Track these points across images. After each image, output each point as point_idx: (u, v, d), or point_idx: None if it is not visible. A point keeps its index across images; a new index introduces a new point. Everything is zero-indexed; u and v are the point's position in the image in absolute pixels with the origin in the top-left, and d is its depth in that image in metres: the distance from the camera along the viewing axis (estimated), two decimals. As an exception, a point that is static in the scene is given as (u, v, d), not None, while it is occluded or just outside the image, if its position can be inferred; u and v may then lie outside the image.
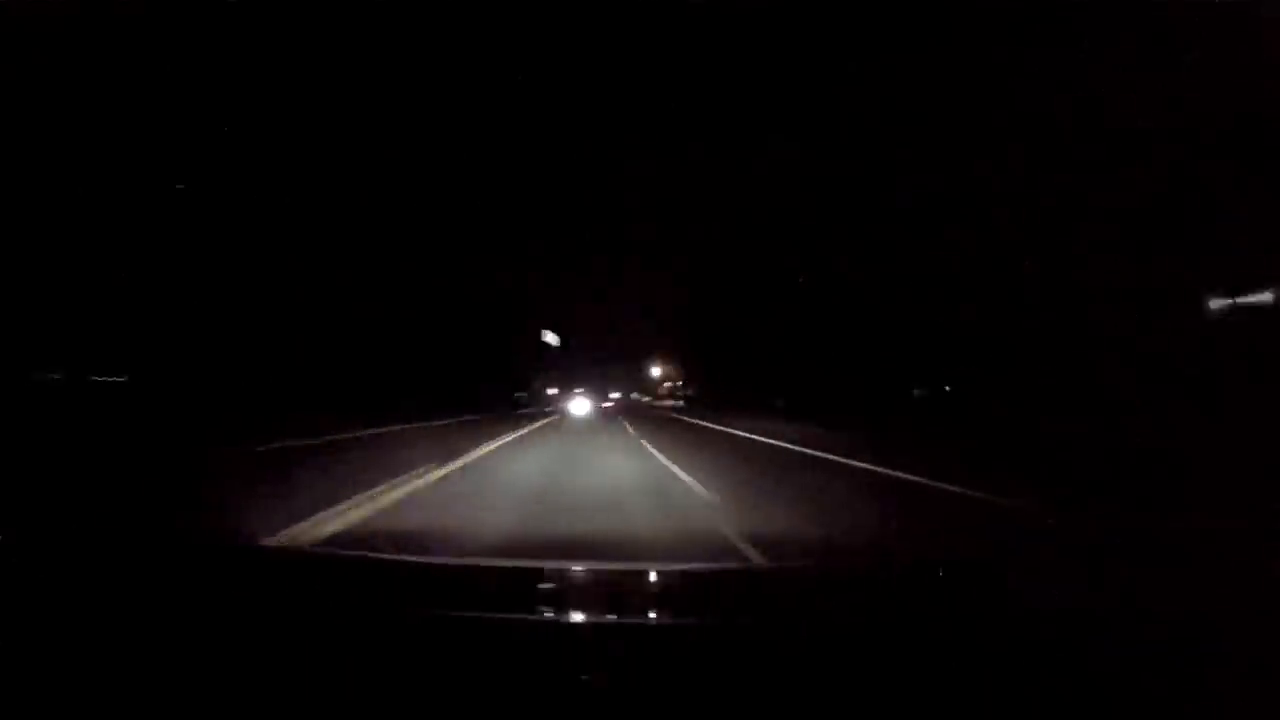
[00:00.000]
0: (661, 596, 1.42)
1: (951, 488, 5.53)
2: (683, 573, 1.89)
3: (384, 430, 12.29)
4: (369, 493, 4.97)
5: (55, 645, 1.02)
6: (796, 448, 9.51)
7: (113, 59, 12.36)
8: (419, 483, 5.81)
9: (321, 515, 4.06)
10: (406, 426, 13.62)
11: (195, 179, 14.69)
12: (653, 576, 1.65)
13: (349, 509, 4.39)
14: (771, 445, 10.27)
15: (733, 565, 2.96)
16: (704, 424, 16.94)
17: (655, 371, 60.80)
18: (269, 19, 13.13)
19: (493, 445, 10.04)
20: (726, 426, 14.73)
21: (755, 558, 3.24)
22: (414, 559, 1.89)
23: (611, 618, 1.18)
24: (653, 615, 1.17)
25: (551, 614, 1.18)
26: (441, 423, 15.57)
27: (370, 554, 2.08)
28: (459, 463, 7.50)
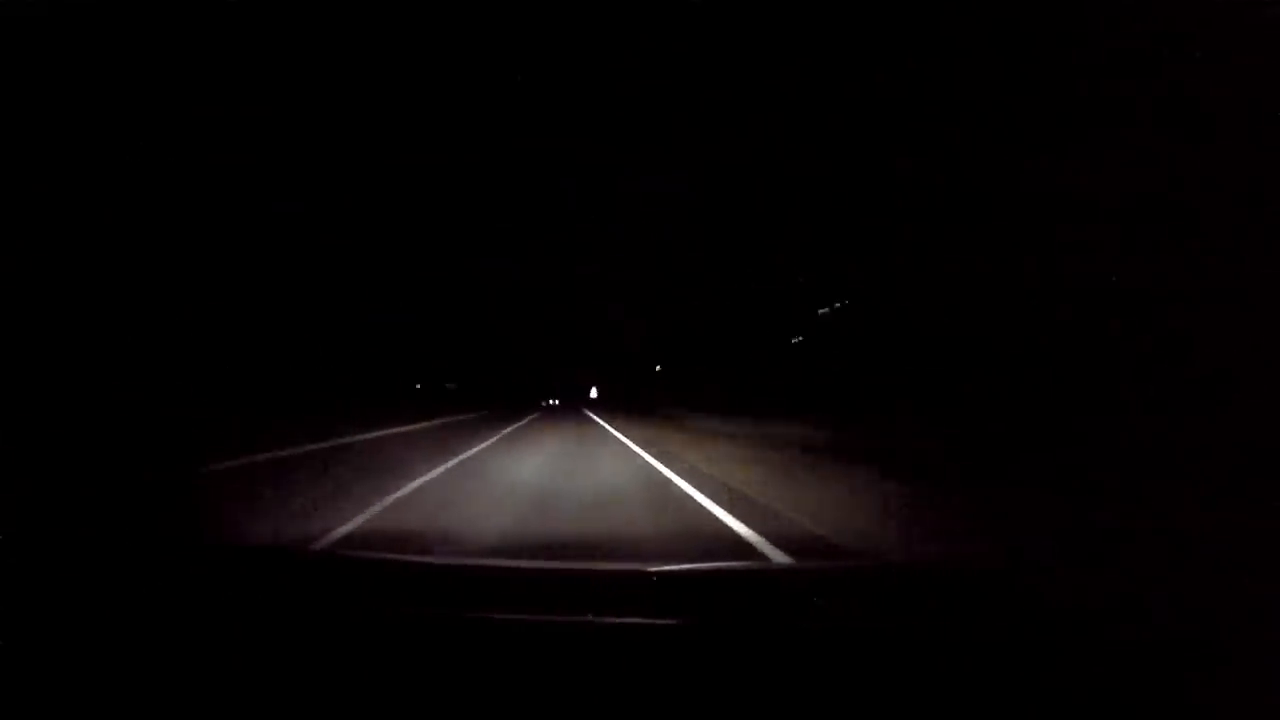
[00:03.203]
0: (662, 596, 1.42)
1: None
2: (684, 572, 1.89)
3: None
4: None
5: (55, 643, 1.02)
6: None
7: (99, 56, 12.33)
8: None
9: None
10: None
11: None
12: (653, 576, 1.65)
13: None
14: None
15: (736, 565, 2.97)
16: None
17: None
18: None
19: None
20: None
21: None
22: (415, 559, 1.89)
23: (612, 618, 1.18)
24: (653, 615, 1.17)
25: (548, 614, 1.18)
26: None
27: (370, 554, 2.08)
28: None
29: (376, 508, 4.75)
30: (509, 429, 15.36)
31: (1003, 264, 12.71)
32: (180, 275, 16.71)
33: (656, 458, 8.38)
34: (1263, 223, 7.86)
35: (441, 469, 7.25)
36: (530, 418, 22.72)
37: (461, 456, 8.59)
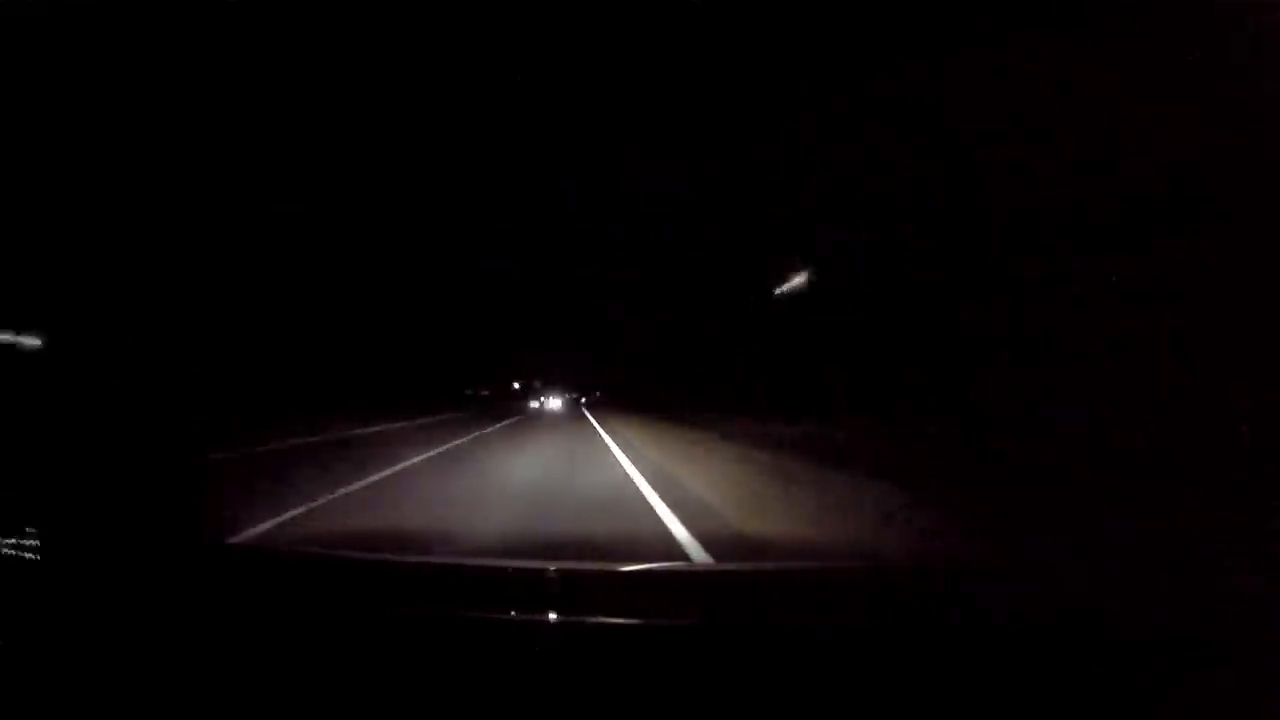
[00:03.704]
0: (642, 597, 1.42)
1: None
2: (666, 573, 1.89)
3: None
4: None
5: (53, 644, 1.02)
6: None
7: (104, 52, 12.34)
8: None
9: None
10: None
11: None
12: (631, 578, 1.65)
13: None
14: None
15: (723, 565, 2.98)
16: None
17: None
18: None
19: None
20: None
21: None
22: (390, 558, 1.90)
23: (595, 619, 1.18)
24: (633, 616, 1.17)
25: (528, 613, 1.18)
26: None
27: (346, 552, 2.08)
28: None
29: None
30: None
31: (1002, 264, 12.72)
32: (180, 275, 16.72)
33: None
34: (1262, 224, 7.86)
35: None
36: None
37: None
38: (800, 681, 0.92)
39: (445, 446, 10.04)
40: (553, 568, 1.51)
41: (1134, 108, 9.06)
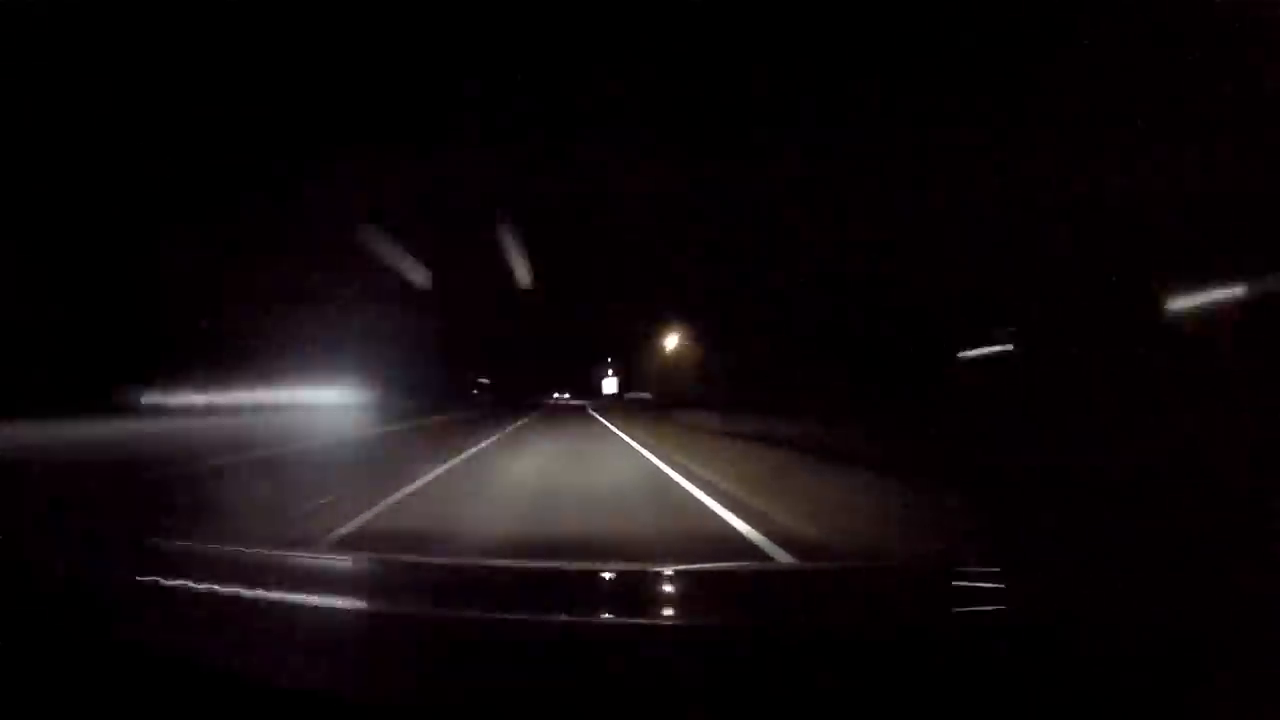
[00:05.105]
0: (668, 597, 1.42)
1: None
2: (689, 573, 1.89)
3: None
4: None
5: (54, 643, 1.03)
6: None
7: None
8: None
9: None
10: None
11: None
12: (660, 577, 1.65)
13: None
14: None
15: (740, 565, 2.98)
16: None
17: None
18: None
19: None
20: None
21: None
22: (416, 559, 1.90)
23: (617, 618, 1.18)
24: (660, 616, 1.18)
25: (554, 615, 1.18)
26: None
27: (370, 555, 2.08)
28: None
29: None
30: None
31: (1001, 263, 12.71)
32: (179, 276, 16.72)
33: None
34: (1260, 221, 7.85)
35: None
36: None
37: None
38: (797, 681, 0.92)
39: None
40: (560, 566, 1.52)
41: (1130, 107, 9.07)
